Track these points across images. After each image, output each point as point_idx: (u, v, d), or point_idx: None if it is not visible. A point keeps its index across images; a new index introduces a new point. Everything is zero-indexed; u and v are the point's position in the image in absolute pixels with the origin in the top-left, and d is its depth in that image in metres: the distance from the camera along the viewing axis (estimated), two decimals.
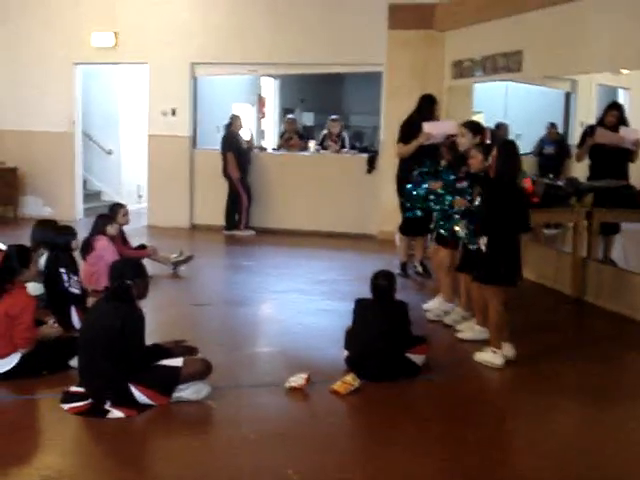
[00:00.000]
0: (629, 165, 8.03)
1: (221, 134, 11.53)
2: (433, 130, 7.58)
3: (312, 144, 12.10)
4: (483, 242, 5.51)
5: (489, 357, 5.55)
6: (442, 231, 6.56)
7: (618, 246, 8.13)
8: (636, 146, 7.79)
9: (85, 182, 13.07)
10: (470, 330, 6.16)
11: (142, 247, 8.37)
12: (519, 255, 5.54)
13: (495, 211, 5.48)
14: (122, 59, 11.90)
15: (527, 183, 6.62)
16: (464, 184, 6.23)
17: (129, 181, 13.87)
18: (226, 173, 11.20)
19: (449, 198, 6.32)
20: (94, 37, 11.68)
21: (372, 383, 5.02)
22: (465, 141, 6.43)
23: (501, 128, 12.30)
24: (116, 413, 4.44)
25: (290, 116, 13.18)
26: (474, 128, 6.48)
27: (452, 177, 6.41)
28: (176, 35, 11.50)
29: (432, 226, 6.99)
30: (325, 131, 12.00)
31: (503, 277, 5.49)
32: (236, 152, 11.15)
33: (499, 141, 6.90)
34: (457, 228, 6.16)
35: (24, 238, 6.81)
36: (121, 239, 7.97)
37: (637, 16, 7.07)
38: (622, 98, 12.03)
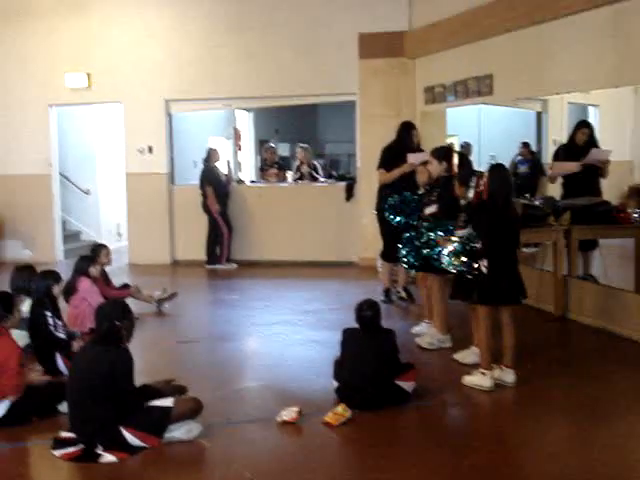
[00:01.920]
0: (600, 181, 8.17)
1: (199, 169, 11.55)
2: (416, 160, 7.71)
3: (290, 175, 12.21)
4: (484, 264, 5.53)
5: (478, 380, 5.57)
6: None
7: (597, 261, 8.21)
8: (604, 163, 7.97)
9: (64, 223, 13.02)
10: (471, 354, 6.16)
11: (125, 286, 8.35)
12: (519, 273, 5.64)
13: (494, 233, 5.55)
14: (96, 99, 11.96)
15: None
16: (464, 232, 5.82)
17: (108, 220, 13.86)
18: (206, 207, 11.22)
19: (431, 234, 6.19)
20: (67, 78, 11.73)
21: (363, 412, 5.03)
22: (434, 168, 6.66)
23: (466, 147, 12.59)
24: (108, 457, 4.41)
25: (270, 145, 13.18)
26: (439, 155, 6.67)
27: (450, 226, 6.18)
28: (149, 73, 11.58)
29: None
30: (297, 160, 12.11)
31: (507, 296, 5.59)
32: (215, 185, 11.18)
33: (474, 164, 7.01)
34: (449, 264, 5.77)
35: (4, 283, 6.78)
36: (104, 279, 7.94)
37: (604, 35, 7.20)
38: (592, 115, 12.22)
